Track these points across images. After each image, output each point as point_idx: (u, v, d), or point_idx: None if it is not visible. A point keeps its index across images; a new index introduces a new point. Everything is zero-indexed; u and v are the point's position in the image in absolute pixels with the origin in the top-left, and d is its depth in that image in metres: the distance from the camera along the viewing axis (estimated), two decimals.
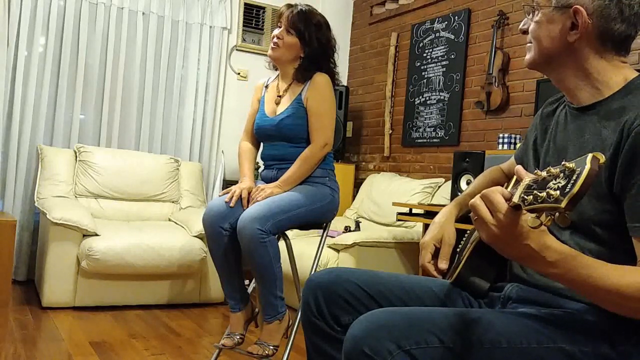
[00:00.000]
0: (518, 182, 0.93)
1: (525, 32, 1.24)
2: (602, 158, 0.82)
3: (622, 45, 1.16)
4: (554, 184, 0.83)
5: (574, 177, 0.80)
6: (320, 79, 2.37)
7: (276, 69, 2.56)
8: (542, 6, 1.18)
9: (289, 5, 2.41)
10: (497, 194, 0.93)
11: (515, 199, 0.89)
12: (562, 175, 0.83)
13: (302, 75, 2.40)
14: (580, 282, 0.96)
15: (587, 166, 0.80)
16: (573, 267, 0.95)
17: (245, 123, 2.60)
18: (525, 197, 0.86)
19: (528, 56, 1.24)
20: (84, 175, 3.87)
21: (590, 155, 0.81)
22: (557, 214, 0.82)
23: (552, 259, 0.94)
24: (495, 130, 3.67)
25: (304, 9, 2.39)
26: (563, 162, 0.84)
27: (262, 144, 2.56)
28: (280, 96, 2.46)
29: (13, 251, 3.30)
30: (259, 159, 2.60)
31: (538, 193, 0.84)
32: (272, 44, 2.40)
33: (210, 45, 4.56)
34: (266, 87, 2.57)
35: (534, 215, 0.85)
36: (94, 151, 3.95)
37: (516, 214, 0.90)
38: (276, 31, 2.40)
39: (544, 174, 0.86)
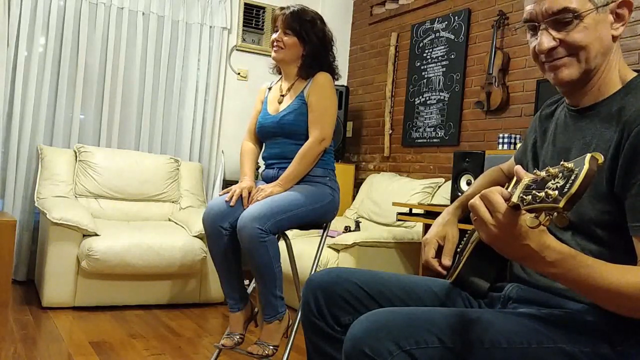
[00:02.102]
0: (518, 182, 0.93)
1: (552, 49, 1.14)
2: (601, 158, 0.82)
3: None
4: (553, 184, 0.83)
5: (573, 177, 0.81)
6: (322, 78, 2.41)
7: (279, 73, 2.58)
8: (585, 12, 1.10)
9: (282, 8, 2.47)
10: (496, 194, 0.93)
11: (514, 199, 0.89)
12: (560, 175, 0.83)
13: (306, 72, 2.44)
14: (580, 282, 0.96)
15: (586, 166, 0.80)
16: (573, 266, 0.95)
17: (248, 124, 2.61)
18: (524, 197, 0.87)
19: (572, 71, 1.14)
20: (84, 175, 3.87)
21: (588, 155, 0.82)
22: (555, 213, 0.82)
23: (552, 258, 0.94)
24: (495, 130, 3.67)
25: (296, 9, 2.44)
26: (562, 162, 0.84)
27: (264, 145, 2.57)
28: (283, 95, 2.49)
29: (13, 251, 3.31)
30: (260, 161, 2.61)
31: (537, 193, 0.84)
32: (273, 48, 2.44)
33: (210, 45, 4.56)
34: (269, 89, 2.60)
35: (532, 215, 0.85)
36: (94, 151, 3.95)
37: (515, 214, 0.90)
38: (274, 35, 2.45)
39: (543, 174, 0.87)
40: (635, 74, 1.16)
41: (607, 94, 1.15)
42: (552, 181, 0.83)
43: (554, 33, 1.13)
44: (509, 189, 0.95)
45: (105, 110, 4.20)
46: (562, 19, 1.11)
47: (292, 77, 2.49)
